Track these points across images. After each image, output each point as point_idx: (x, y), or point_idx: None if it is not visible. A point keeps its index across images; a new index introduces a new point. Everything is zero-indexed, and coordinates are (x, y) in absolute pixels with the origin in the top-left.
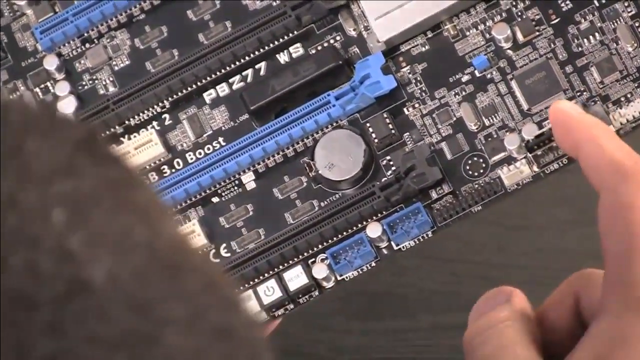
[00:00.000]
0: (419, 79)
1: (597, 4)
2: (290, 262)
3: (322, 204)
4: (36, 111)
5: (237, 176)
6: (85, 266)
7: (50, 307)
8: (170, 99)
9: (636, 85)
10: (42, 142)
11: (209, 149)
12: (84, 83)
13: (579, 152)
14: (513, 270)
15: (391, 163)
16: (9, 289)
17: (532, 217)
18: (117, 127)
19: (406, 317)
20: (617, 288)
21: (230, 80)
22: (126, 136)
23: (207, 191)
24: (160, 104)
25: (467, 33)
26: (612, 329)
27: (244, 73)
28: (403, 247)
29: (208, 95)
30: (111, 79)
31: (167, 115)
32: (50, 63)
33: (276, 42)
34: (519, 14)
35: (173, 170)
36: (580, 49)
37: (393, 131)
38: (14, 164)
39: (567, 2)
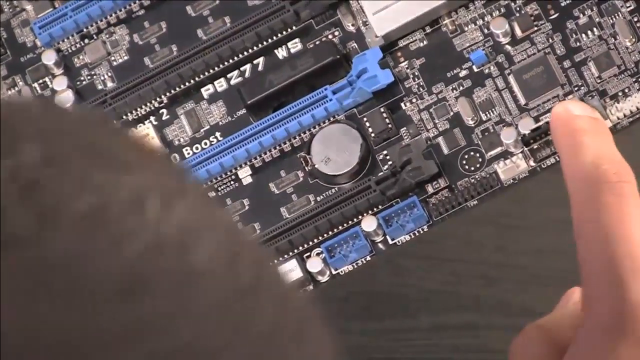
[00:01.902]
0: (416, 73)
1: None
2: (285, 255)
3: (318, 198)
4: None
5: (233, 171)
6: (188, 249)
7: (167, 297)
8: (168, 94)
9: (634, 80)
10: (119, 143)
11: (205, 143)
12: (82, 78)
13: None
14: (512, 270)
15: (388, 158)
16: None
17: (531, 217)
18: (114, 122)
19: (406, 317)
20: (595, 308)
21: (229, 76)
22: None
23: (204, 186)
24: (158, 99)
25: (466, 28)
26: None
27: (242, 68)
28: (398, 241)
29: (206, 91)
30: (110, 74)
31: (164, 111)
32: (49, 58)
33: (274, 38)
34: (518, 9)
35: None
36: (578, 44)
37: (390, 126)
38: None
39: None
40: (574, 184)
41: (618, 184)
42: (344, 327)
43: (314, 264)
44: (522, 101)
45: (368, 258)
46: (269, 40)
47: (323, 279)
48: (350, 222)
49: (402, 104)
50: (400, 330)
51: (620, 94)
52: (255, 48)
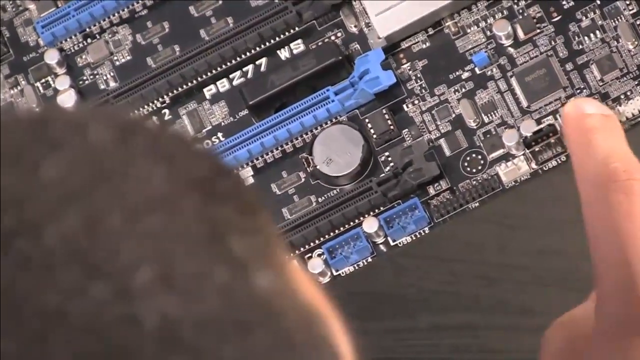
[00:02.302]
0: (419, 75)
1: (598, 2)
2: (287, 256)
3: (319, 199)
4: (170, 137)
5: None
6: (139, 304)
7: (83, 333)
8: (170, 94)
9: (636, 83)
10: (153, 170)
11: (207, 144)
12: (84, 78)
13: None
14: (513, 270)
15: (389, 159)
16: (53, 307)
17: (532, 217)
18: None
19: (406, 317)
20: (613, 308)
21: (231, 76)
22: None
23: None
24: (160, 99)
25: (468, 30)
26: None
27: (244, 69)
28: (399, 243)
29: (208, 91)
30: (112, 73)
31: (167, 111)
32: (52, 57)
33: (277, 39)
34: (521, 11)
35: None
36: (581, 46)
37: (392, 127)
38: (113, 184)
39: None
40: (584, 183)
41: (628, 182)
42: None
43: (315, 265)
44: (524, 103)
45: (369, 259)
46: (272, 41)
47: (324, 280)
48: (351, 223)
49: (404, 106)
50: (400, 330)
51: (622, 96)
52: (257, 49)
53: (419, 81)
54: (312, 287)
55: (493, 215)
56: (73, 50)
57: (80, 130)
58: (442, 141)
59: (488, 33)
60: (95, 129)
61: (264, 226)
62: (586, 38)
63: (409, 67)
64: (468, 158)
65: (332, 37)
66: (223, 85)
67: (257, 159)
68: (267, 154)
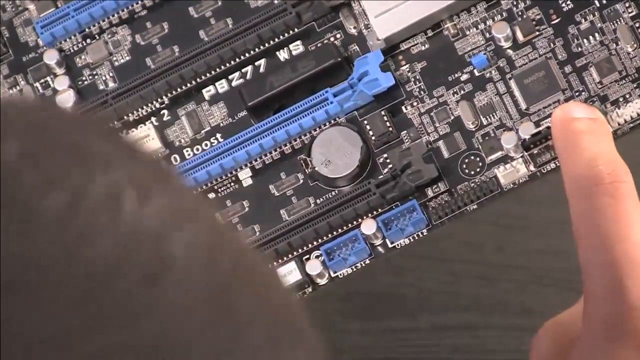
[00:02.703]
0: (418, 77)
1: (597, 5)
2: (285, 258)
3: (318, 201)
4: (89, 118)
5: (233, 172)
6: (165, 239)
7: (133, 292)
8: (169, 95)
9: (635, 85)
10: (98, 140)
11: (206, 145)
12: (84, 78)
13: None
14: (512, 270)
15: (388, 161)
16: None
17: (531, 217)
18: (115, 122)
19: (406, 317)
20: (599, 313)
21: (230, 77)
22: (124, 131)
23: (204, 187)
24: (159, 99)
25: (467, 32)
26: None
27: (243, 70)
28: (398, 244)
29: (207, 92)
30: (111, 74)
31: (165, 111)
32: (51, 58)
33: (276, 40)
34: (520, 13)
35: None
36: (580, 49)
37: (390, 129)
38: (78, 160)
39: (568, 2)
40: (571, 186)
41: (613, 185)
42: (343, 327)
43: (313, 267)
44: (523, 106)
45: (367, 261)
46: (271, 42)
47: (322, 281)
48: (349, 225)
49: (403, 108)
50: (400, 330)
51: (621, 99)
52: (256, 50)
53: (417, 83)
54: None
55: (492, 215)
56: (72, 51)
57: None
58: (440, 143)
59: (487, 35)
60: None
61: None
62: (585, 40)
63: (407, 69)
64: (466, 160)
65: (332, 39)
66: (222, 86)
67: (256, 160)
68: (265, 155)
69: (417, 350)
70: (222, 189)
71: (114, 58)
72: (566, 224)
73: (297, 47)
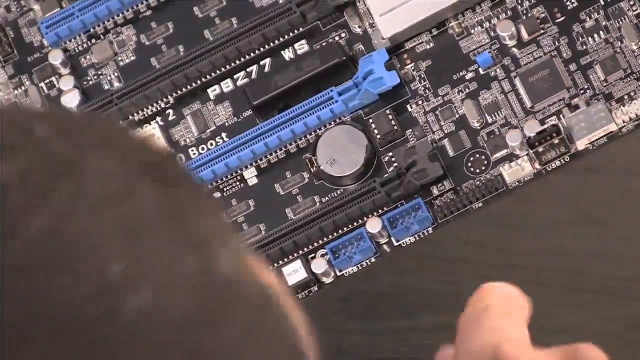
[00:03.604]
0: (423, 76)
1: (602, 3)
2: (290, 257)
3: (323, 199)
4: (109, 128)
5: (239, 172)
6: (116, 297)
7: (69, 329)
8: (174, 94)
9: None
10: (104, 161)
11: (212, 144)
12: (89, 78)
13: None
14: (513, 270)
15: (393, 160)
16: (40, 310)
17: (531, 217)
18: (121, 122)
19: (406, 317)
20: None
21: (235, 77)
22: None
23: (210, 186)
24: (164, 99)
25: (472, 31)
26: None
27: (248, 69)
28: (403, 243)
29: (212, 92)
30: (116, 74)
31: (171, 111)
32: (56, 58)
33: (281, 39)
34: (525, 12)
35: None
36: (585, 47)
37: (396, 128)
38: (69, 182)
39: (573, 0)
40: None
41: (489, 307)
42: (344, 327)
43: (319, 266)
44: (528, 104)
45: (373, 260)
46: (276, 42)
47: (327, 280)
48: (355, 223)
49: (408, 106)
50: (400, 330)
51: (626, 97)
52: (262, 49)
53: (423, 82)
54: (267, 272)
55: (493, 216)
56: (77, 51)
57: (26, 130)
58: (446, 142)
59: (492, 34)
60: (40, 127)
61: (214, 205)
62: (590, 39)
63: (413, 68)
64: (472, 159)
65: (337, 38)
66: (227, 85)
67: (261, 160)
68: (271, 155)
69: (417, 350)
70: (227, 188)
71: (119, 58)
72: (567, 224)
73: (302, 47)
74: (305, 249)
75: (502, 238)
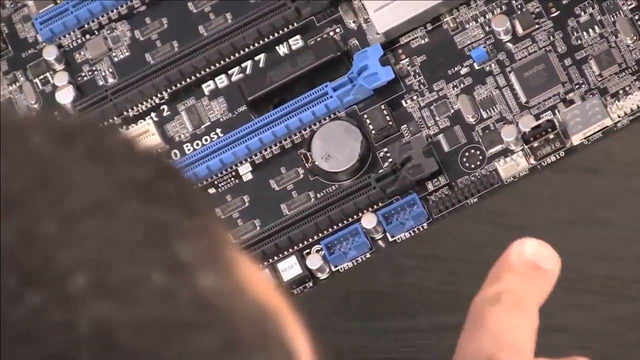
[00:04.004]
0: (417, 71)
1: None
2: (285, 252)
3: (318, 195)
4: (111, 139)
5: (234, 167)
6: (74, 309)
7: (24, 340)
8: (169, 90)
9: (634, 78)
10: (92, 174)
11: (206, 140)
12: (83, 74)
13: None
14: None
15: (388, 155)
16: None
17: (531, 217)
18: (115, 118)
19: (406, 317)
20: None
21: (230, 72)
22: (124, 127)
23: (204, 182)
24: (159, 95)
25: (467, 26)
26: None
27: (243, 65)
28: (398, 238)
29: (207, 87)
30: (111, 70)
31: (165, 107)
32: (50, 54)
33: (276, 34)
34: (519, 6)
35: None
36: (579, 41)
37: (390, 123)
38: (51, 190)
39: None
40: (475, 303)
41: (512, 305)
42: (344, 326)
43: (314, 261)
44: (523, 99)
45: (367, 255)
46: (270, 37)
47: (322, 275)
48: (350, 219)
49: (403, 102)
50: (400, 330)
51: (621, 92)
52: (256, 45)
53: (417, 77)
54: (264, 285)
55: (493, 215)
56: (71, 47)
57: (20, 137)
58: (440, 137)
59: (487, 28)
60: (35, 135)
61: (209, 227)
62: (585, 33)
63: (407, 63)
64: (467, 154)
65: (331, 33)
66: (222, 81)
67: (256, 155)
68: (265, 150)
69: (417, 350)
70: (222, 184)
71: (114, 54)
72: (567, 224)
73: (296, 42)
74: (300, 245)
75: (502, 238)
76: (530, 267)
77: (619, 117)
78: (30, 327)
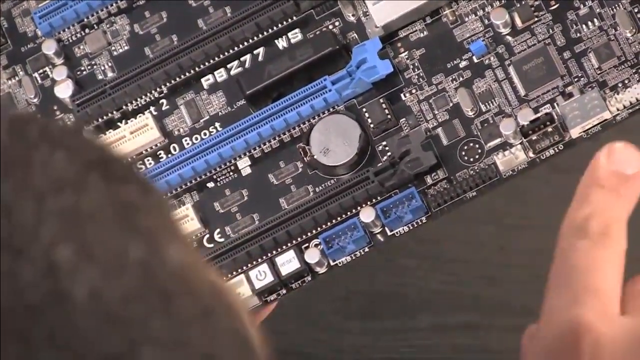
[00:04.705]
0: (416, 64)
1: None
2: (283, 246)
3: (317, 189)
4: (59, 126)
5: (232, 161)
6: (66, 279)
7: (22, 316)
8: (168, 84)
9: (634, 71)
10: (53, 155)
11: (205, 134)
12: (82, 68)
13: None
14: (513, 269)
15: (387, 149)
16: None
17: (532, 217)
18: (114, 112)
19: (406, 317)
20: None
21: (228, 66)
22: (123, 121)
23: (203, 176)
24: (158, 89)
25: (466, 19)
26: None
27: (242, 58)
28: (397, 232)
29: (206, 81)
30: (110, 64)
31: (164, 101)
32: (49, 48)
33: (275, 28)
34: None
35: (169, 156)
36: (578, 34)
37: (389, 117)
38: (18, 173)
39: None
40: (562, 232)
41: (599, 235)
42: (344, 326)
43: (312, 255)
44: (522, 92)
45: (366, 249)
46: (269, 31)
47: (321, 270)
48: (348, 213)
49: (402, 95)
50: (400, 330)
51: (620, 85)
52: (255, 38)
53: (416, 70)
54: (214, 271)
55: (493, 215)
56: (71, 41)
57: None
58: (439, 130)
59: (486, 21)
60: None
61: (163, 204)
62: (584, 26)
63: (406, 56)
64: (465, 147)
65: (330, 27)
66: (220, 75)
67: (255, 149)
68: (264, 144)
69: (417, 350)
70: (221, 178)
71: (113, 48)
72: None
73: (295, 35)
74: (299, 239)
75: (502, 238)
76: (617, 177)
77: (618, 110)
78: (27, 300)
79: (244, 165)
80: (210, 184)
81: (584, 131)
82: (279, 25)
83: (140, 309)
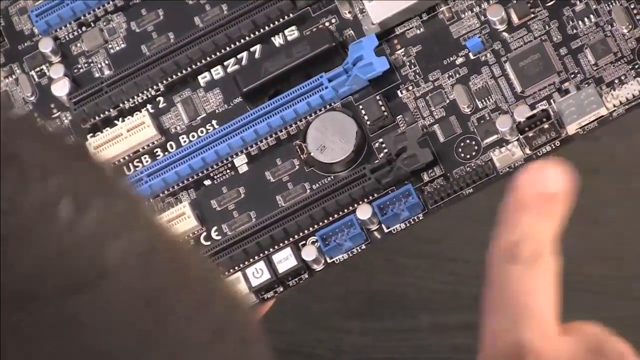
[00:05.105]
0: (413, 61)
1: None
2: (280, 244)
3: (313, 186)
4: (31, 124)
5: (229, 159)
6: (100, 248)
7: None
8: (164, 82)
9: (630, 67)
10: (38, 148)
11: (202, 131)
12: (79, 66)
13: None
14: None
15: (383, 146)
16: (15, 291)
17: None
18: (111, 110)
19: (406, 317)
20: None
21: (225, 63)
22: (120, 119)
23: (199, 174)
24: (154, 87)
25: (462, 15)
26: None
27: (238, 56)
28: (394, 229)
29: (203, 79)
30: (107, 62)
31: (161, 98)
32: (46, 46)
33: (271, 25)
34: None
35: (166, 154)
36: (575, 31)
37: (386, 113)
38: (12, 171)
39: None
40: (493, 258)
41: (531, 259)
42: (344, 326)
43: (309, 253)
44: (518, 89)
45: (363, 247)
46: (266, 28)
47: (318, 267)
48: (345, 210)
49: (398, 92)
50: (400, 330)
51: (616, 81)
52: (251, 36)
53: (413, 67)
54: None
55: (493, 215)
56: (67, 39)
57: None
58: (436, 127)
59: (482, 18)
60: None
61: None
62: (580, 22)
63: (403, 53)
64: (462, 144)
65: (326, 24)
66: (217, 72)
67: (251, 147)
68: (261, 142)
69: (417, 350)
70: (217, 175)
71: (109, 45)
72: (567, 224)
73: (292, 33)
74: (296, 236)
75: None
76: (541, 198)
77: (614, 106)
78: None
79: (241, 162)
80: (207, 182)
81: (580, 127)
82: (276, 23)
83: (153, 281)
